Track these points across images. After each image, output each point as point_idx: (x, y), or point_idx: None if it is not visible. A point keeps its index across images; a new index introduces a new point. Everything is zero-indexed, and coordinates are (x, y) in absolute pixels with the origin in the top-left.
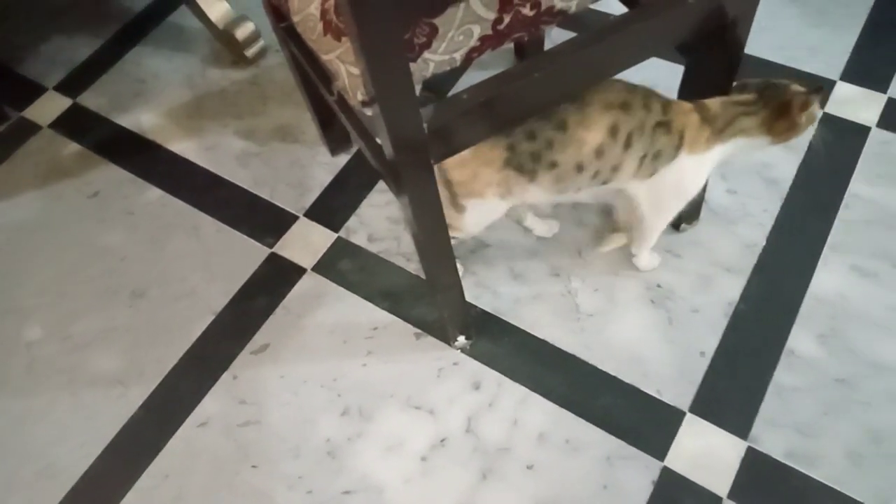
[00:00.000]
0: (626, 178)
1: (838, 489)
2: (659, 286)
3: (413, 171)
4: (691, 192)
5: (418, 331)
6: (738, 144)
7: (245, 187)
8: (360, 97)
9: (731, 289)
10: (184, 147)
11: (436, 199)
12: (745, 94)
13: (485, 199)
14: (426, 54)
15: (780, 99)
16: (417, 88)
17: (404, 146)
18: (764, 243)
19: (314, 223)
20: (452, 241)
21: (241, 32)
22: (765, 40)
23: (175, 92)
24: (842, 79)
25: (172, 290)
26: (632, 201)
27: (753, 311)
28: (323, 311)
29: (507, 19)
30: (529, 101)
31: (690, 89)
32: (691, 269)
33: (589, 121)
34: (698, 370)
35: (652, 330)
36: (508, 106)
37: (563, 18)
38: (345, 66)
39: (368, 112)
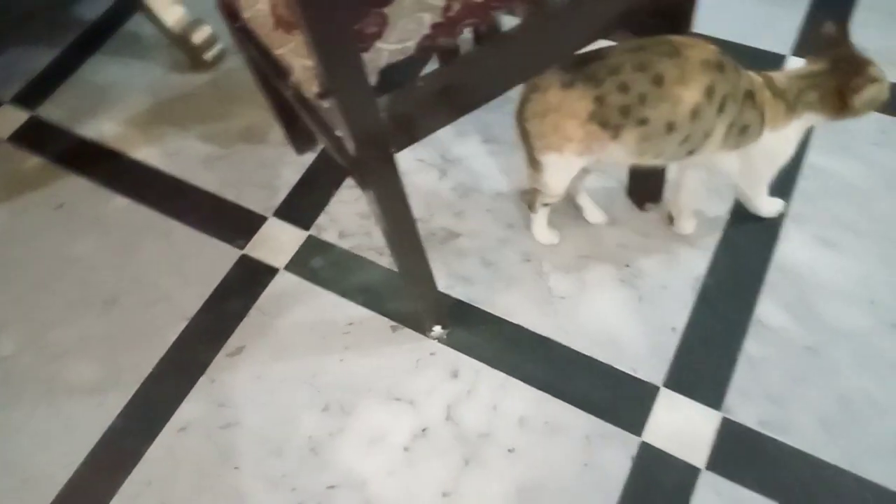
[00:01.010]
0: (714, 147)
1: (811, 454)
2: (627, 266)
3: (375, 162)
4: (781, 162)
5: (394, 323)
6: (812, 118)
7: (212, 191)
8: (315, 90)
9: (698, 264)
10: (147, 154)
11: (401, 190)
12: (817, 65)
13: (563, 153)
14: (378, 44)
15: (845, 76)
16: (374, 78)
17: (364, 137)
18: (727, 217)
19: (284, 223)
20: (545, 205)
21: (199, 36)
22: (717, 18)
23: (135, 99)
24: (794, 54)
25: (145, 297)
26: (721, 174)
27: (720, 284)
28: (297, 310)
29: (456, 6)
30: (486, 86)
31: None
32: (658, 247)
33: (688, 77)
34: (670, 345)
35: (623, 309)
36: (466, 91)
37: (512, 4)
38: (298, 59)
39: (325, 104)
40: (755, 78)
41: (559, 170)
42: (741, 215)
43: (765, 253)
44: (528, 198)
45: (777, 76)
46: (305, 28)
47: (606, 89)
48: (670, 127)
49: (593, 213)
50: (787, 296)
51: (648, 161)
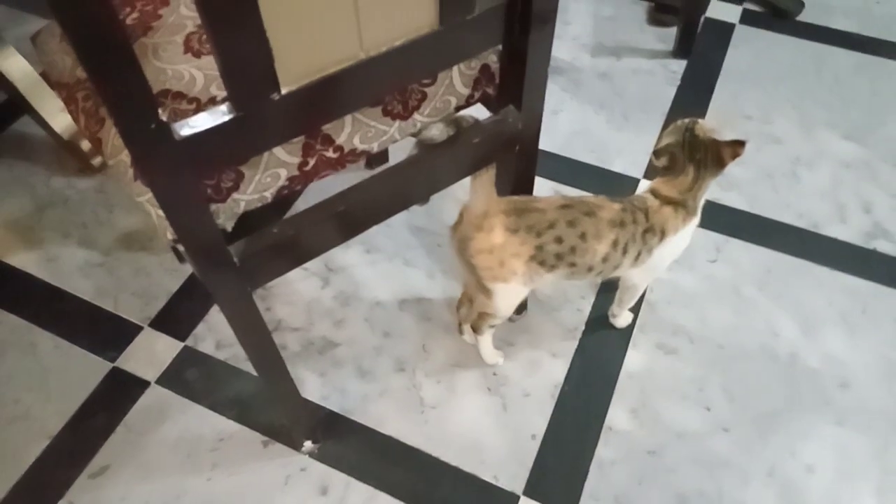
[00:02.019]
0: (623, 270)
1: None
2: (494, 374)
3: (230, 301)
4: (676, 256)
5: (266, 438)
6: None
7: (86, 299)
8: (169, 236)
9: (557, 372)
10: (23, 260)
11: (257, 319)
12: (686, 174)
13: (509, 283)
14: (235, 195)
15: (710, 153)
16: (231, 223)
17: (216, 279)
18: (583, 328)
19: (160, 333)
20: (491, 326)
21: (87, 143)
22: (578, 144)
23: (16, 203)
24: (644, 177)
25: (4, 414)
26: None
27: (576, 391)
28: (166, 426)
29: (311, 162)
30: (334, 234)
31: (504, 185)
32: (522, 355)
33: (601, 234)
34: (530, 453)
35: (488, 417)
36: (317, 237)
37: (369, 156)
38: (154, 209)
39: (181, 247)
40: (651, 204)
41: (507, 295)
42: (597, 324)
43: (616, 359)
44: (477, 323)
45: (669, 192)
46: (152, 189)
47: (545, 240)
48: (590, 268)
49: (491, 354)
50: (634, 401)
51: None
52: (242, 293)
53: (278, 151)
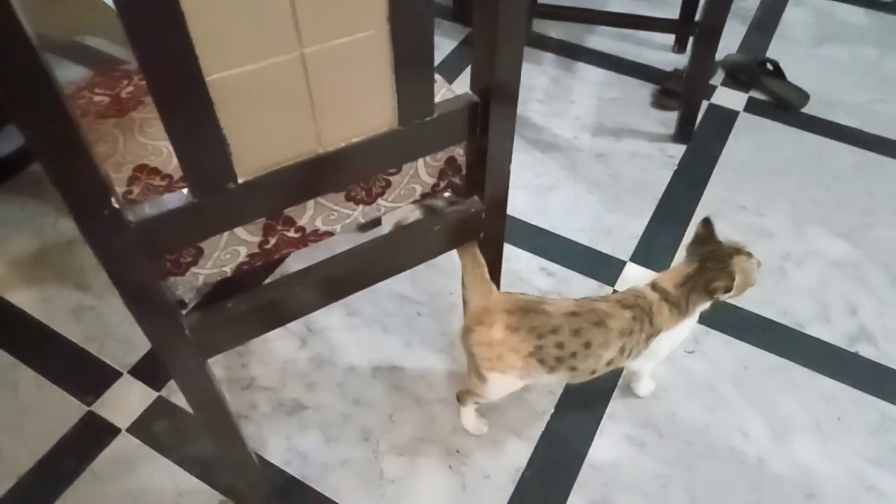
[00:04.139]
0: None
1: None
2: (458, 451)
3: (181, 370)
4: (673, 347)
5: (224, 499)
6: (701, 308)
7: (75, 341)
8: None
9: (520, 455)
10: (21, 298)
11: (209, 388)
12: (691, 266)
13: (505, 375)
14: (194, 269)
15: (711, 274)
16: (190, 294)
17: (167, 349)
18: (552, 411)
19: (136, 380)
20: (476, 403)
21: None
22: (569, 222)
23: (22, 241)
24: (631, 259)
25: None
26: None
27: (537, 478)
28: (130, 477)
29: (273, 241)
30: (293, 307)
31: None
32: (488, 434)
33: (609, 343)
34: None
35: (447, 497)
36: (273, 312)
37: (331, 236)
38: None
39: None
40: (651, 298)
41: (501, 385)
42: (564, 409)
43: (582, 447)
44: (463, 395)
45: (670, 287)
46: (104, 266)
47: (546, 342)
48: (593, 372)
49: (474, 425)
50: (595, 494)
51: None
52: (194, 363)
53: (239, 231)
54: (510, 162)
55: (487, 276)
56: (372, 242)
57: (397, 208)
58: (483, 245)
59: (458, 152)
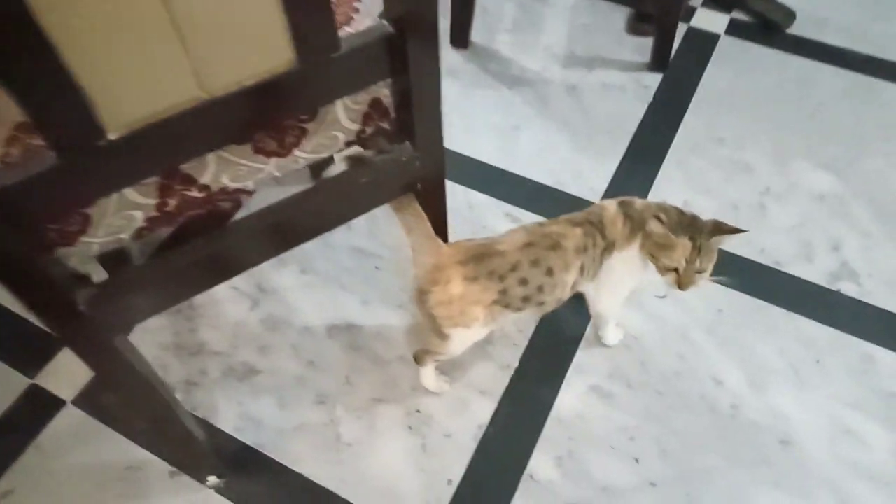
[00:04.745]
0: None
1: None
2: (418, 411)
3: (88, 353)
4: (624, 285)
5: (174, 469)
6: (642, 255)
7: (13, 310)
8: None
9: (483, 412)
10: None
11: (128, 368)
12: (669, 213)
13: (470, 328)
14: (84, 238)
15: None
16: (90, 266)
17: (66, 332)
18: (517, 364)
19: None
20: (436, 360)
21: None
22: (537, 164)
23: None
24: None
25: None
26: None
27: (501, 434)
28: (77, 450)
29: (173, 202)
30: (202, 278)
31: None
32: (450, 392)
33: (568, 265)
34: (445, 499)
35: (406, 458)
36: (181, 281)
37: (248, 195)
38: None
39: None
40: (608, 212)
41: (465, 340)
42: (529, 362)
43: (547, 401)
44: (421, 355)
45: (637, 205)
46: None
47: (509, 284)
48: (559, 300)
49: (435, 384)
50: (560, 449)
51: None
52: (102, 341)
53: (129, 193)
54: (440, 102)
55: (432, 232)
56: (291, 199)
57: (318, 159)
58: (423, 197)
59: (385, 93)
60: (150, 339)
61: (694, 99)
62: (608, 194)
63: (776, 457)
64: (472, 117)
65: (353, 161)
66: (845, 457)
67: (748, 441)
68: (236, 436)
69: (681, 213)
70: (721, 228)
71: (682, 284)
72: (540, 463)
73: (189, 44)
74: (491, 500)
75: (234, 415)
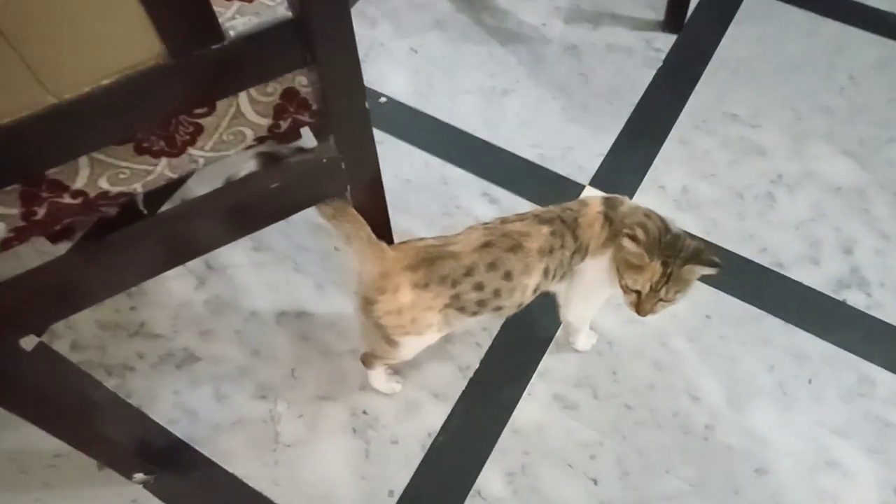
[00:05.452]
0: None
1: None
2: (365, 412)
3: None
4: (596, 293)
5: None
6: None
7: None
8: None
9: (435, 417)
10: None
11: (28, 387)
12: (655, 223)
13: (423, 336)
14: None
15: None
16: None
17: None
18: (477, 366)
19: None
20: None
21: None
22: (523, 136)
23: None
24: (591, 183)
25: None
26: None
27: (451, 443)
28: (4, 437)
29: (42, 210)
30: (95, 287)
31: None
32: (402, 393)
33: (530, 268)
34: None
35: (347, 464)
36: (75, 290)
37: (130, 199)
38: None
39: None
40: (587, 210)
41: (416, 346)
42: (493, 363)
43: (505, 409)
44: (369, 359)
45: (623, 207)
46: None
47: (462, 289)
48: (520, 305)
49: (385, 385)
50: (514, 463)
51: None
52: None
53: None
54: (363, 94)
55: (374, 237)
56: (194, 202)
57: (223, 157)
58: (358, 202)
59: (301, 82)
60: (88, 315)
61: (709, 66)
62: (598, 177)
63: (749, 487)
64: (455, 77)
65: (264, 159)
66: (825, 491)
67: (720, 467)
68: (170, 428)
69: (665, 228)
70: (699, 257)
71: (640, 310)
72: (490, 478)
73: (22, 50)
74: None
75: (170, 404)
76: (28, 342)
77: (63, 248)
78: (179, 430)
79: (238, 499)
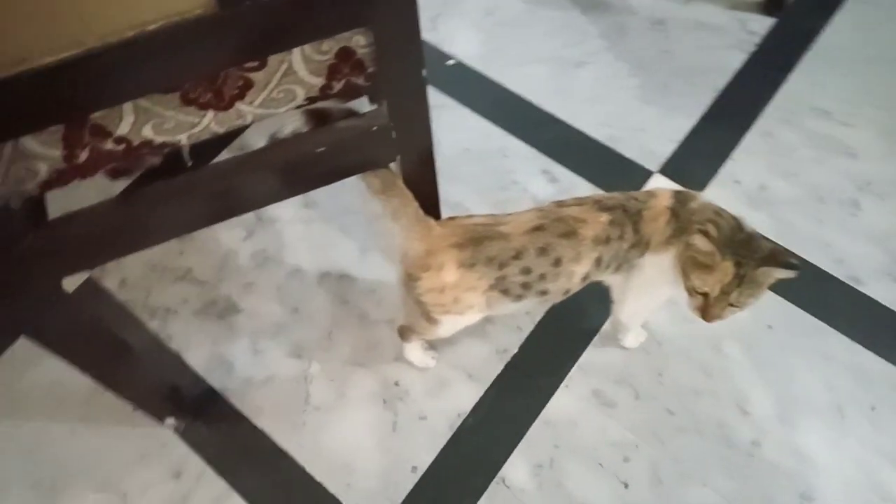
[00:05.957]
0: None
1: None
2: (396, 384)
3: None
4: (655, 291)
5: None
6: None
7: None
8: None
9: (467, 397)
10: None
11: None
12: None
13: (464, 315)
14: None
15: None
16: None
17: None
18: (515, 351)
19: None
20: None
21: None
22: (592, 112)
23: None
24: (661, 171)
25: None
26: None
27: (480, 426)
28: (45, 367)
29: (84, 154)
30: (121, 241)
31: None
32: (435, 369)
33: (581, 256)
34: (404, 488)
35: (373, 434)
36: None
37: (175, 149)
38: None
39: None
40: (655, 202)
41: (456, 324)
42: (530, 350)
43: (539, 398)
44: (406, 332)
45: (693, 203)
46: None
47: (509, 272)
48: (566, 292)
49: (420, 358)
50: (542, 454)
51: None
52: (47, 286)
53: (28, 143)
54: (421, 60)
55: (421, 213)
56: (230, 161)
57: (271, 115)
58: (406, 174)
59: (359, 42)
60: (138, 255)
61: (807, 55)
62: (669, 164)
63: None
64: (528, 44)
65: (311, 117)
66: None
67: (762, 486)
68: (205, 377)
69: (738, 227)
70: (777, 259)
71: (707, 314)
72: (516, 467)
73: None
74: (453, 499)
75: (207, 353)
76: (71, 282)
77: (121, 185)
78: (213, 380)
79: (263, 453)
